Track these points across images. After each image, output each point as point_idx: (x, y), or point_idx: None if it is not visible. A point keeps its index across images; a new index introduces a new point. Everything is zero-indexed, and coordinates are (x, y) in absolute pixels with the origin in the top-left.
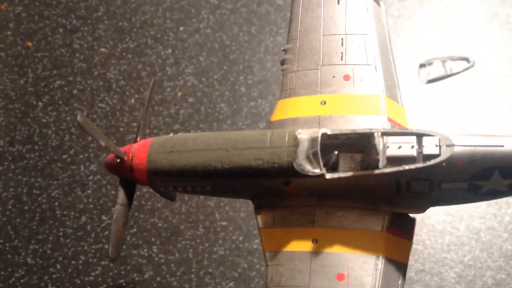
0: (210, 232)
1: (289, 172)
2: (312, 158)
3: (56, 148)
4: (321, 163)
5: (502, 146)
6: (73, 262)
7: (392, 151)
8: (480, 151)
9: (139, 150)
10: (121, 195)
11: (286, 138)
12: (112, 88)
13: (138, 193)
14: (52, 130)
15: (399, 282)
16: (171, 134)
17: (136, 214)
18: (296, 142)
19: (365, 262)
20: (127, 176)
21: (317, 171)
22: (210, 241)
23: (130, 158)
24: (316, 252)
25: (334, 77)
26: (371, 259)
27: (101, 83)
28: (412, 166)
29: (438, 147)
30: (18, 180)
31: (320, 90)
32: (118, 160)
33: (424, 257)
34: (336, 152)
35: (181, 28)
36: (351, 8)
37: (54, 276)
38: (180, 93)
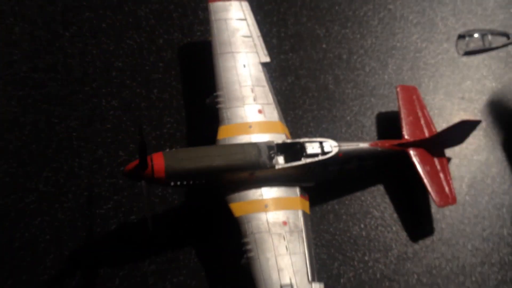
0: None
1: (257, 166)
2: (270, 157)
3: (79, 79)
4: (274, 160)
5: (359, 147)
6: (85, 193)
7: (310, 150)
8: (351, 149)
9: (157, 160)
10: (146, 187)
11: (256, 147)
12: (141, 26)
13: None
14: (76, 61)
15: (308, 223)
16: (173, 149)
17: None
18: (259, 149)
19: (295, 214)
20: (146, 179)
21: (273, 164)
22: None
23: (151, 166)
24: (268, 212)
25: (252, 111)
26: (298, 212)
27: (130, 19)
28: (321, 158)
29: (331, 147)
30: (38, 107)
31: (246, 119)
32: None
33: (442, 227)
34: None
35: None
36: (252, 70)
37: (65, 205)
38: (210, 38)
